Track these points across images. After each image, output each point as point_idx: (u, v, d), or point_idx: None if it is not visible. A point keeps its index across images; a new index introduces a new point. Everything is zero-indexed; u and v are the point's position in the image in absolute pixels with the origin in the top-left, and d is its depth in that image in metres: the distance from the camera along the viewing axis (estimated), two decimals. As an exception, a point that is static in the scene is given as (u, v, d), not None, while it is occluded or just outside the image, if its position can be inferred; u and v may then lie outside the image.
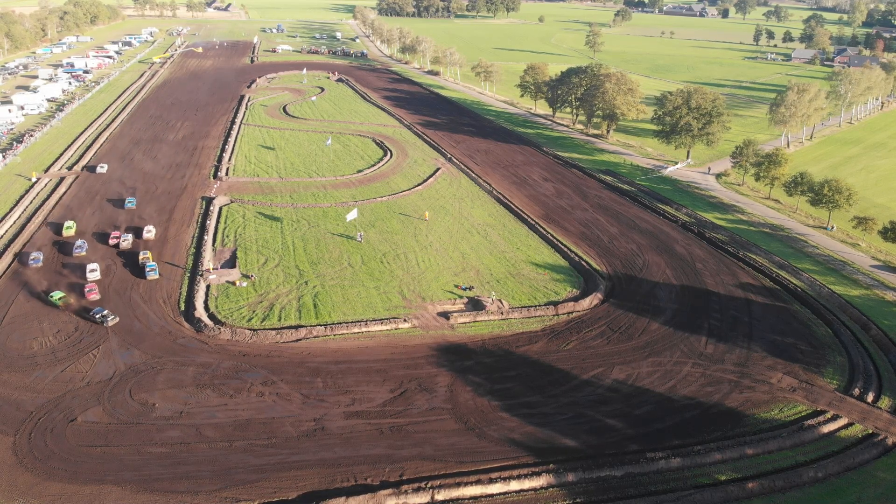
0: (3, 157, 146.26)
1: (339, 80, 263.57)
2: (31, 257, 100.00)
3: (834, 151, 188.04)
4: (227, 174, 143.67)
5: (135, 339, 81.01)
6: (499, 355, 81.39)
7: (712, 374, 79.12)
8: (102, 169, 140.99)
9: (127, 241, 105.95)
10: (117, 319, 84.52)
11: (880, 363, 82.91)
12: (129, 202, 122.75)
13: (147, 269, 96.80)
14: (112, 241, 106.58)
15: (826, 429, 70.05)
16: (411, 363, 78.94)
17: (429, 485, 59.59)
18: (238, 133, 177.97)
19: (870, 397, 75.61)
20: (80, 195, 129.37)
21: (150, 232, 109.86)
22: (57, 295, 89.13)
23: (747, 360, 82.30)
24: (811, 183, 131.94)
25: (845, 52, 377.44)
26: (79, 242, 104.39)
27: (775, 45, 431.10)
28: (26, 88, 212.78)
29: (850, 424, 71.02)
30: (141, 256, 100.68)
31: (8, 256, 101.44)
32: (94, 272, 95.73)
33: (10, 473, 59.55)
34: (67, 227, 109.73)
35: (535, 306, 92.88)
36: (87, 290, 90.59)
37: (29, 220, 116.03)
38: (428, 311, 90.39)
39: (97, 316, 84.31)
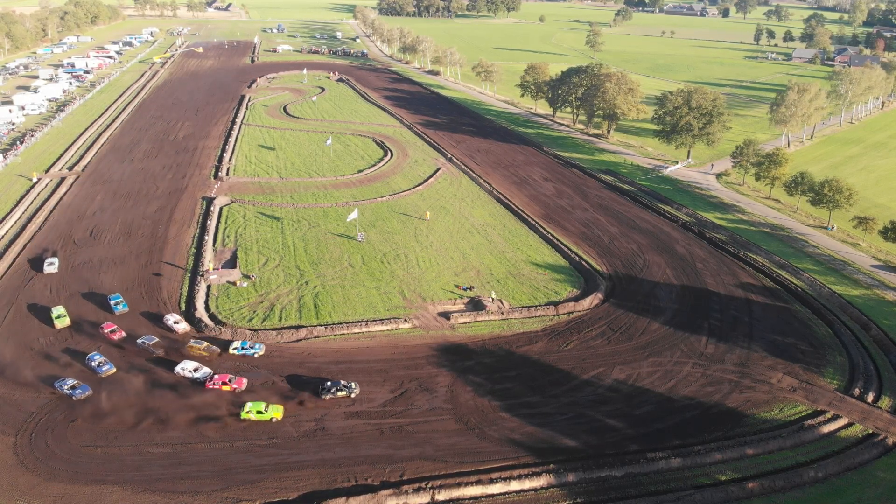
0: (4, 157, 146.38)
1: (340, 79, 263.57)
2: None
3: (834, 151, 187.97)
4: (227, 174, 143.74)
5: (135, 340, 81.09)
6: (499, 355, 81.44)
7: (712, 374, 79.16)
8: (52, 267, 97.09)
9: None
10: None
11: (880, 363, 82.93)
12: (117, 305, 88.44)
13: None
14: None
15: (826, 429, 70.09)
16: (412, 363, 79.01)
17: (429, 485, 59.66)
18: (238, 133, 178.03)
19: (870, 397, 75.65)
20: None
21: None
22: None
23: (748, 360, 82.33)
24: (811, 183, 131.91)
25: (846, 51, 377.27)
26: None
27: (776, 45, 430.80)
28: (27, 88, 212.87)
29: (850, 424, 71.05)
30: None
31: (9, 258, 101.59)
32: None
33: (11, 474, 59.66)
34: (59, 318, 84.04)
35: (536, 306, 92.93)
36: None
37: (30, 220, 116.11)
38: (428, 312, 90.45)
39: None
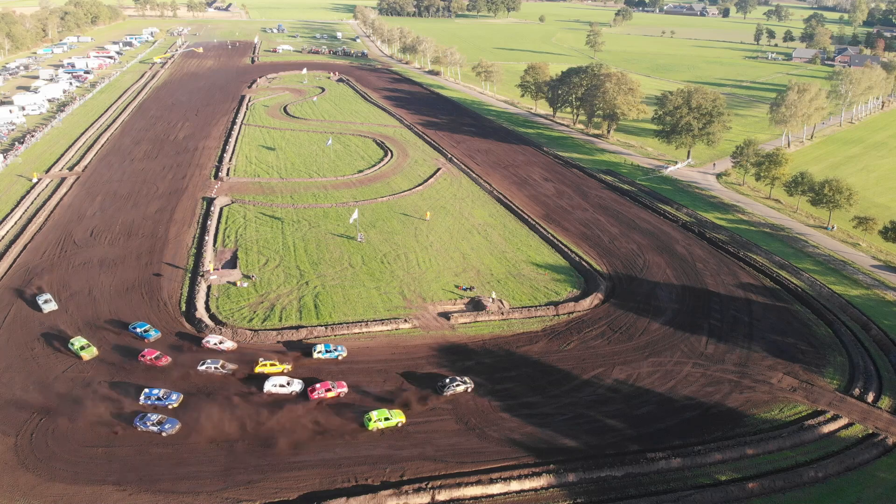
0: (5, 157, 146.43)
1: (340, 80, 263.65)
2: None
3: (834, 151, 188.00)
4: (227, 174, 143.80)
5: (136, 340, 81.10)
6: (499, 355, 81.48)
7: (713, 374, 79.19)
8: (49, 305, 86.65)
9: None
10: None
11: (880, 363, 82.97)
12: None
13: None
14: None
15: (826, 429, 70.10)
16: (412, 363, 79.03)
17: (429, 485, 59.69)
18: (239, 133, 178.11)
19: (870, 397, 75.67)
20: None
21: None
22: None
23: (748, 360, 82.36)
24: (812, 183, 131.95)
25: (846, 51, 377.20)
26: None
27: (776, 45, 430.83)
28: (27, 89, 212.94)
29: (850, 424, 71.07)
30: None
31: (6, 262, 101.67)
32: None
33: (12, 474, 59.68)
34: (83, 349, 77.29)
35: (536, 306, 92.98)
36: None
37: (30, 220, 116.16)
38: (428, 312, 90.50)
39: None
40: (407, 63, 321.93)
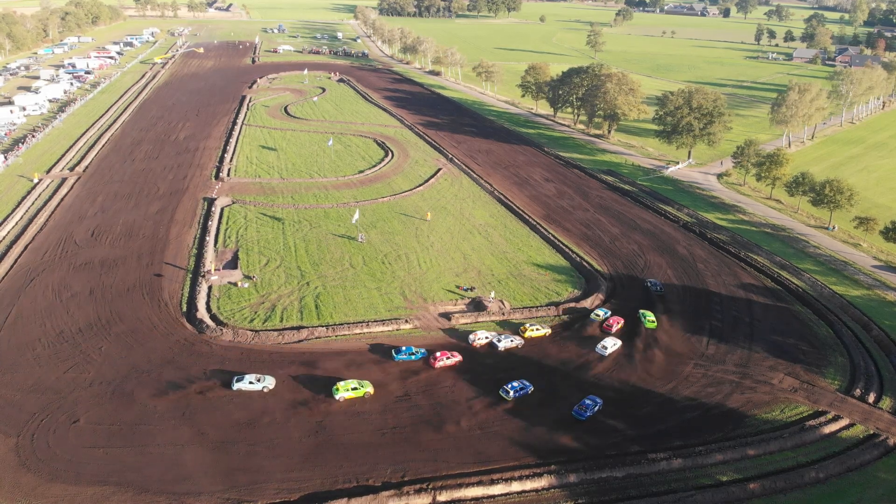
0: (5, 157, 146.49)
1: (341, 80, 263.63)
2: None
3: (835, 151, 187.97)
4: (228, 175, 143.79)
5: (137, 341, 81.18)
6: (500, 356, 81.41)
7: (714, 374, 79.18)
8: (254, 385, 72.96)
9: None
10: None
11: (881, 364, 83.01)
12: None
13: None
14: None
15: (827, 429, 70.14)
16: (413, 364, 78.91)
17: (430, 486, 59.67)
18: (239, 133, 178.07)
19: (871, 398, 75.69)
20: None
21: None
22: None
23: (748, 360, 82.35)
24: (812, 183, 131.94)
25: (847, 51, 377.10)
26: None
27: (776, 45, 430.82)
28: (28, 89, 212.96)
29: (851, 425, 71.10)
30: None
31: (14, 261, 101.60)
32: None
33: (13, 475, 59.65)
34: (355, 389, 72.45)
35: (537, 307, 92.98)
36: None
37: (31, 220, 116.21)
38: (429, 312, 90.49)
39: None
40: (407, 63, 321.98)
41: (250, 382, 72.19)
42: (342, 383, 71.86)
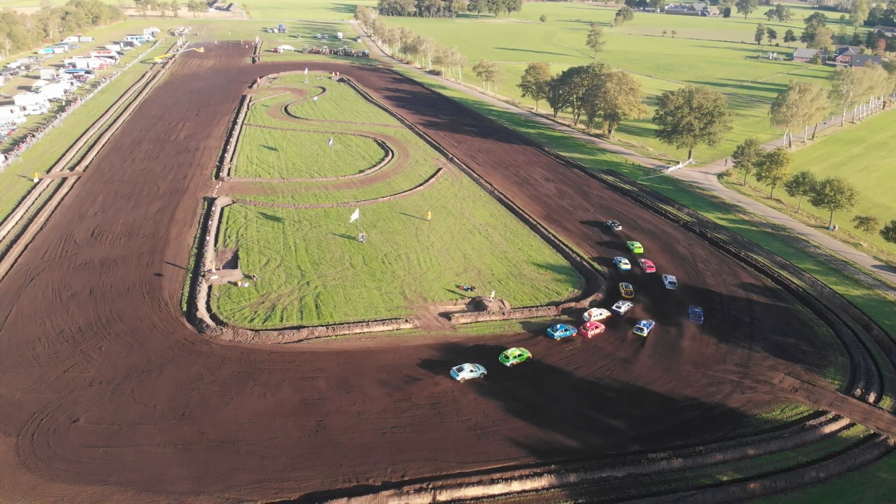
0: (6, 157, 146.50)
1: (341, 80, 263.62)
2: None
3: (835, 151, 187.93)
4: (228, 174, 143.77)
5: (138, 340, 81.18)
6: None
7: (714, 374, 79.15)
8: None
9: None
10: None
11: (882, 363, 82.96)
12: None
13: None
14: None
15: (828, 429, 70.09)
16: (413, 364, 78.92)
17: (430, 485, 59.65)
18: (240, 133, 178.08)
19: (871, 398, 75.64)
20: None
21: None
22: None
23: (749, 360, 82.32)
24: (813, 183, 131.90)
25: (847, 51, 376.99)
26: None
27: (777, 45, 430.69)
28: (28, 89, 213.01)
29: (851, 425, 71.06)
30: None
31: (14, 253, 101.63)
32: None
33: (13, 474, 59.65)
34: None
35: (537, 306, 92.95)
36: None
37: (31, 220, 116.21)
38: (429, 312, 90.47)
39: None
40: (408, 63, 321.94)
41: (471, 371, 76.29)
42: (509, 350, 79.96)
